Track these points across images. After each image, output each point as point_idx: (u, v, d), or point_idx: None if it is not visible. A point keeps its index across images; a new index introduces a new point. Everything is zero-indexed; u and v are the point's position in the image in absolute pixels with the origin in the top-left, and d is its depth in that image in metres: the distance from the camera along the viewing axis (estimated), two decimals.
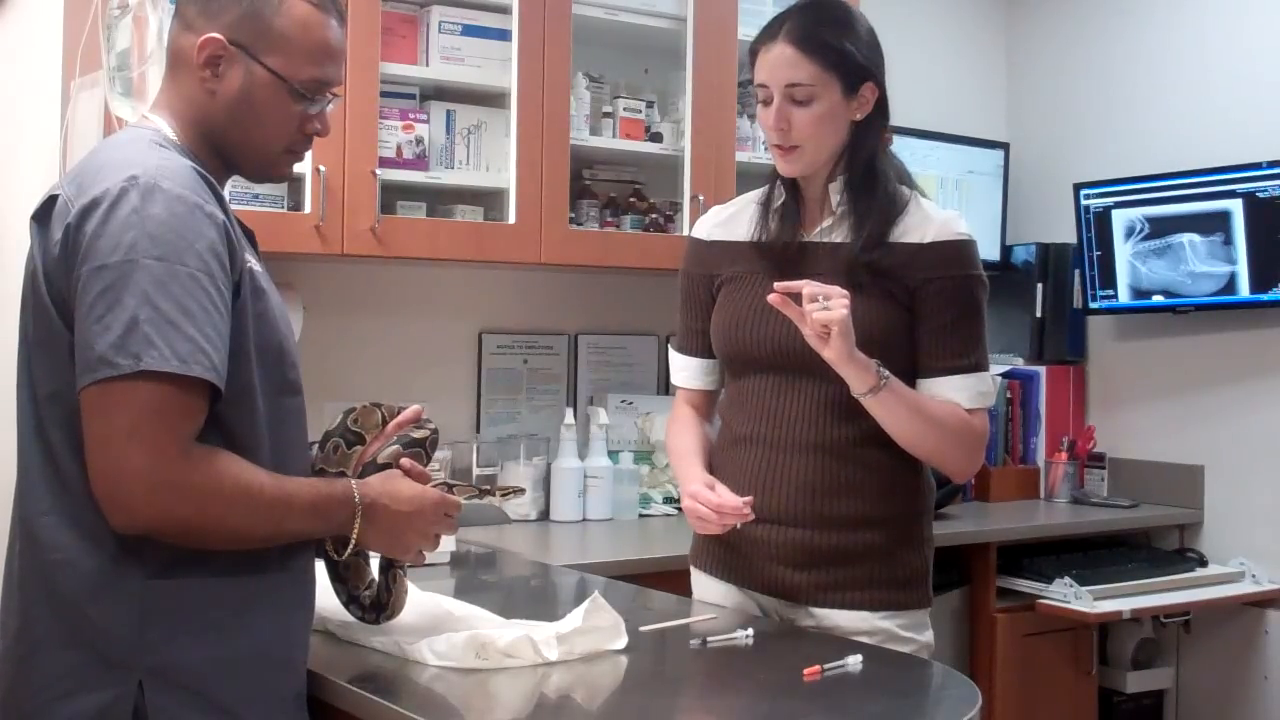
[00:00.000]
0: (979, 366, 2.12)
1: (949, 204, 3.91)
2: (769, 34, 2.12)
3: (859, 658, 1.82)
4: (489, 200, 3.11)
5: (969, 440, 2.12)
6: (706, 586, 2.26)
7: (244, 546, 1.58)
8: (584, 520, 3.26)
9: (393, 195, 2.97)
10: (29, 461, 1.61)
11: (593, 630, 1.83)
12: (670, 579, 2.43)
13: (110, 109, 2.45)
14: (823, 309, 1.93)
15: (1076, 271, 3.96)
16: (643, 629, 1.97)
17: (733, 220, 2.27)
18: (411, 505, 1.72)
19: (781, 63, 2.09)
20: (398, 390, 3.09)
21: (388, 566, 1.83)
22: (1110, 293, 3.84)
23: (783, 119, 2.10)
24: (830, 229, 2.16)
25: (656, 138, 3.33)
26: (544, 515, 3.27)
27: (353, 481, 1.70)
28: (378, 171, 2.85)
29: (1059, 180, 4.02)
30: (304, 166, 2.70)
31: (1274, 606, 3.59)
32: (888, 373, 2.01)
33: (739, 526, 2.09)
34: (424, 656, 1.77)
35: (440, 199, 3.10)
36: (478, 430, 3.34)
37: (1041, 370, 4.00)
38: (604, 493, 3.27)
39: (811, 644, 2.00)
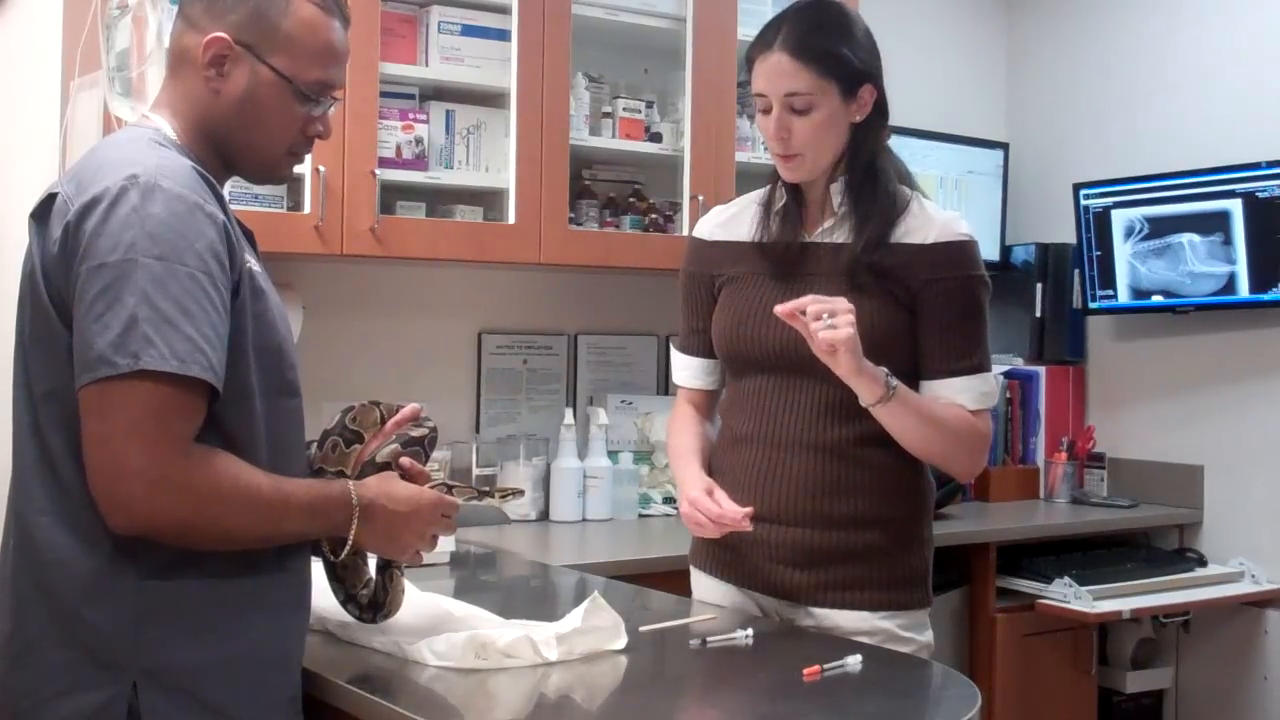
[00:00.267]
0: (982, 367, 2.12)
1: (948, 204, 3.91)
2: (764, 43, 2.11)
3: (858, 658, 1.82)
4: (488, 200, 3.11)
5: (974, 442, 2.13)
6: (706, 586, 2.26)
7: (241, 547, 1.57)
8: (583, 520, 3.26)
9: (392, 195, 2.97)
10: (24, 460, 1.61)
11: (592, 630, 1.83)
12: (670, 579, 2.43)
13: (110, 109, 2.45)
14: (828, 327, 1.92)
15: (1076, 271, 3.96)
16: (642, 629, 1.97)
17: (734, 220, 2.27)
18: (408, 506, 1.72)
19: (778, 72, 2.08)
20: (397, 390, 3.09)
21: (385, 566, 1.83)
22: (1110, 293, 3.84)
23: (783, 128, 2.10)
24: (831, 229, 2.16)
25: (656, 138, 3.33)
26: (544, 515, 3.27)
27: (350, 482, 1.70)
28: (377, 172, 2.85)
29: (1058, 180, 4.02)
30: (303, 167, 2.70)
31: (1273, 606, 3.59)
32: (896, 381, 2.01)
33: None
34: (423, 657, 1.77)
35: (440, 199, 3.10)
36: (477, 430, 3.34)
37: (1041, 370, 4.00)
38: (604, 493, 3.27)
39: (811, 644, 2.00)
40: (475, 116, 3.07)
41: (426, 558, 1.81)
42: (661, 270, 3.26)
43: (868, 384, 1.99)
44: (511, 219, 3.04)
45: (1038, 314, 4.04)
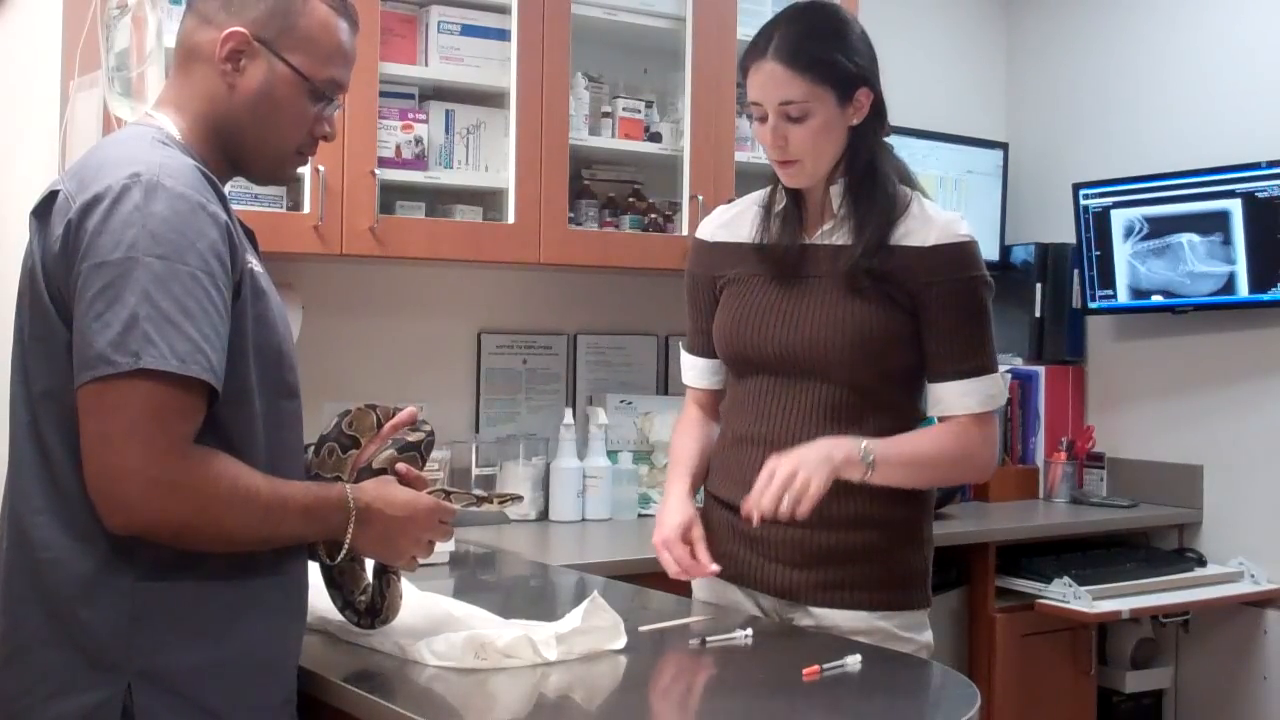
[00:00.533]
0: (986, 369, 2.12)
1: (948, 204, 3.91)
2: (757, 51, 2.09)
3: (858, 658, 1.82)
4: (488, 200, 3.11)
5: (976, 457, 2.12)
6: (706, 586, 2.26)
7: (238, 549, 1.57)
8: (583, 520, 3.26)
9: (392, 195, 2.97)
10: (21, 459, 1.60)
11: (592, 630, 1.83)
12: (669, 579, 2.43)
13: (109, 109, 2.45)
14: (796, 499, 1.94)
15: (1075, 271, 3.96)
16: (642, 629, 1.97)
17: (735, 221, 2.27)
18: (405, 511, 1.71)
19: (772, 82, 2.07)
20: (397, 390, 3.10)
21: (382, 571, 1.83)
22: (1109, 293, 3.84)
23: (779, 136, 2.09)
24: (831, 232, 2.15)
25: (656, 138, 3.33)
26: (543, 515, 3.27)
27: (347, 486, 1.69)
28: (377, 171, 2.85)
29: (1058, 180, 4.02)
30: (303, 167, 2.70)
31: (1273, 606, 3.59)
32: (871, 449, 2.00)
33: (742, 527, 2.12)
34: (423, 657, 1.77)
35: (439, 199, 3.10)
36: (477, 430, 3.34)
37: (1041, 370, 4.00)
38: (603, 493, 3.27)
39: (811, 644, 2.00)
40: (475, 116, 3.07)
41: (423, 560, 1.80)
42: (661, 270, 3.26)
43: (849, 471, 2.00)
44: (511, 219, 3.03)
45: (1037, 314, 4.04)
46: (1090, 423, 4.04)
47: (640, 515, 3.34)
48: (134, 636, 1.53)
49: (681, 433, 2.33)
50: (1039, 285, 4.04)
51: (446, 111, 3.05)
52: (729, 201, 2.40)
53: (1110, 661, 3.68)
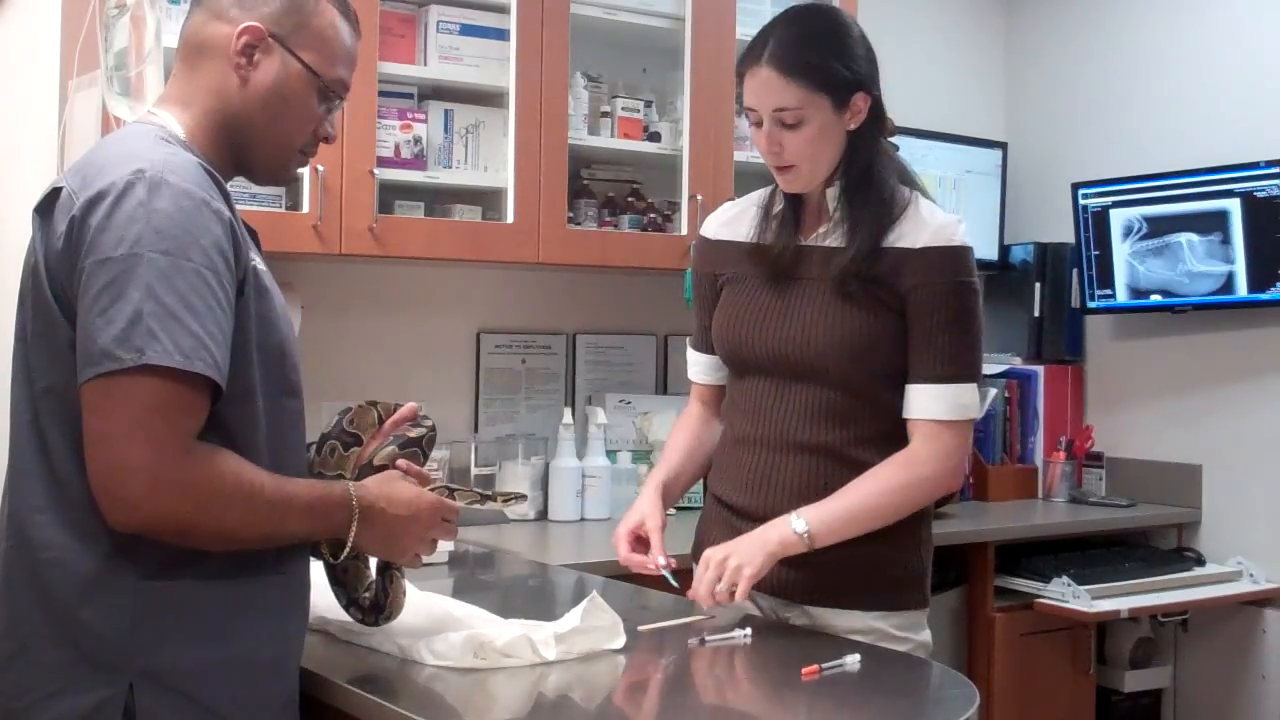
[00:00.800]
0: (963, 377, 2.09)
1: (947, 203, 3.91)
2: (752, 56, 2.08)
3: (857, 657, 1.82)
4: (487, 200, 3.11)
5: (928, 479, 2.09)
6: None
7: (241, 547, 1.57)
8: (582, 520, 3.26)
9: (391, 195, 2.97)
10: (22, 457, 1.60)
11: (591, 630, 1.84)
12: (668, 579, 2.43)
13: (108, 108, 2.45)
14: (732, 585, 1.96)
15: (1074, 271, 3.96)
16: (641, 628, 1.97)
17: (736, 220, 2.27)
18: (409, 509, 1.71)
19: (766, 89, 2.06)
20: (396, 390, 3.09)
21: (385, 568, 1.83)
22: (1108, 292, 3.84)
23: (774, 142, 2.09)
24: (826, 234, 2.15)
25: (655, 137, 3.33)
26: (542, 515, 3.27)
27: (350, 483, 1.69)
28: (376, 171, 2.85)
29: (1057, 180, 4.02)
30: (304, 167, 2.70)
31: (1271, 605, 3.59)
32: (798, 521, 2.01)
33: (738, 525, 2.14)
34: (422, 656, 1.77)
35: (438, 198, 3.10)
36: (476, 430, 3.34)
37: (1040, 370, 4.01)
38: (602, 492, 3.27)
39: (810, 643, 1.99)
40: (474, 116, 3.07)
41: (425, 559, 1.80)
42: (660, 270, 3.26)
43: (790, 549, 2.02)
44: (510, 218, 3.03)
45: (1036, 313, 4.04)
46: (1089, 422, 4.04)
47: None
48: (136, 636, 1.52)
49: (675, 429, 2.36)
50: (1038, 285, 4.04)
51: (445, 111, 3.05)
52: (732, 200, 2.40)
53: (1109, 661, 3.68)
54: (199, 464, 1.49)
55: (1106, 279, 3.83)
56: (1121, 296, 3.82)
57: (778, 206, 2.21)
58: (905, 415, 2.10)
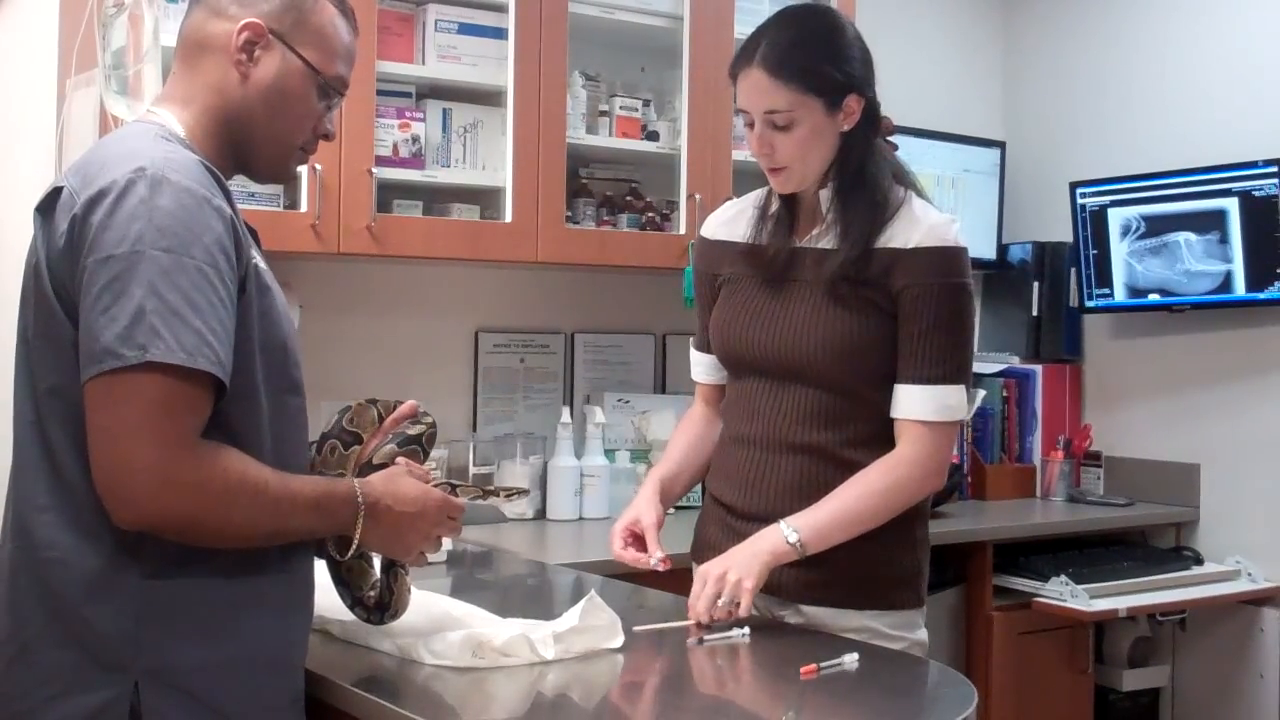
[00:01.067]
0: (951, 378, 2.08)
1: (945, 202, 3.92)
2: (744, 58, 2.08)
3: (855, 656, 1.82)
4: (485, 199, 3.11)
5: (912, 481, 2.09)
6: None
7: (246, 544, 1.57)
8: (580, 519, 3.26)
9: (389, 194, 2.97)
10: (26, 457, 1.60)
11: (589, 629, 1.84)
12: (667, 578, 2.43)
13: (106, 107, 2.45)
14: (732, 601, 1.97)
15: (1073, 270, 3.96)
16: (636, 629, 1.97)
17: (735, 220, 2.27)
18: (415, 506, 1.71)
19: (757, 91, 2.06)
20: (394, 389, 3.06)
21: (389, 566, 1.83)
22: (1106, 291, 3.84)
23: (765, 144, 2.09)
24: (820, 236, 2.15)
25: (653, 136, 3.33)
26: (540, 514, 3.27)
27: (355, 481, 1.69)
28: (374, 170, 2.85)
29: (1055, 179, 4.02)
30: (303, 165, 2.70)
31: (1270, 605, 3.59)
32: (789, 531, 2.02)
33: (733, 525, 2.15)
34: (421, 656, 1.77)
35: (437, 198, 3.10)
36: (474, 429, 3.34)
37: (1038, 369, 4.01)
38: (600, 491, 3.27)
39: (808, 642, 2.00)
40: (472, 115, 3.07)
41: (431, 557, 1.80)
42: (658, 269, 3.26)
43: (782, 559, 2.02)
44: (508, 217, 3.03)
45: (1034, 312, 4.04)
46: (1087, 421, 4.04)
47: None
48: (140, 635, 1.52)
49: (678, 429, 2.38)
50: (1036, 284, 4.04)
51: (444, 110, 3.04)
52: (730, 199, 2.40)
53: (1107, 660, 3.68)
54: (203, 461, 1.49)
55: (1105, 278, 3.83)
56: (1119, 296, 3.82)
57: (773, 207, 2.21)
58: (892, 415, 2.10)
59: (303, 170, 2.73)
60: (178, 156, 1.56)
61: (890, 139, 2.22)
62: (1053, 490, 3.92)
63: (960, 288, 2.09)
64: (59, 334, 1.54)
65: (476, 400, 3.37)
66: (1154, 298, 3.76)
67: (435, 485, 1.77)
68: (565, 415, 3.29)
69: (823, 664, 1.79)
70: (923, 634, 2.16)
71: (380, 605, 1.83)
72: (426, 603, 1.98)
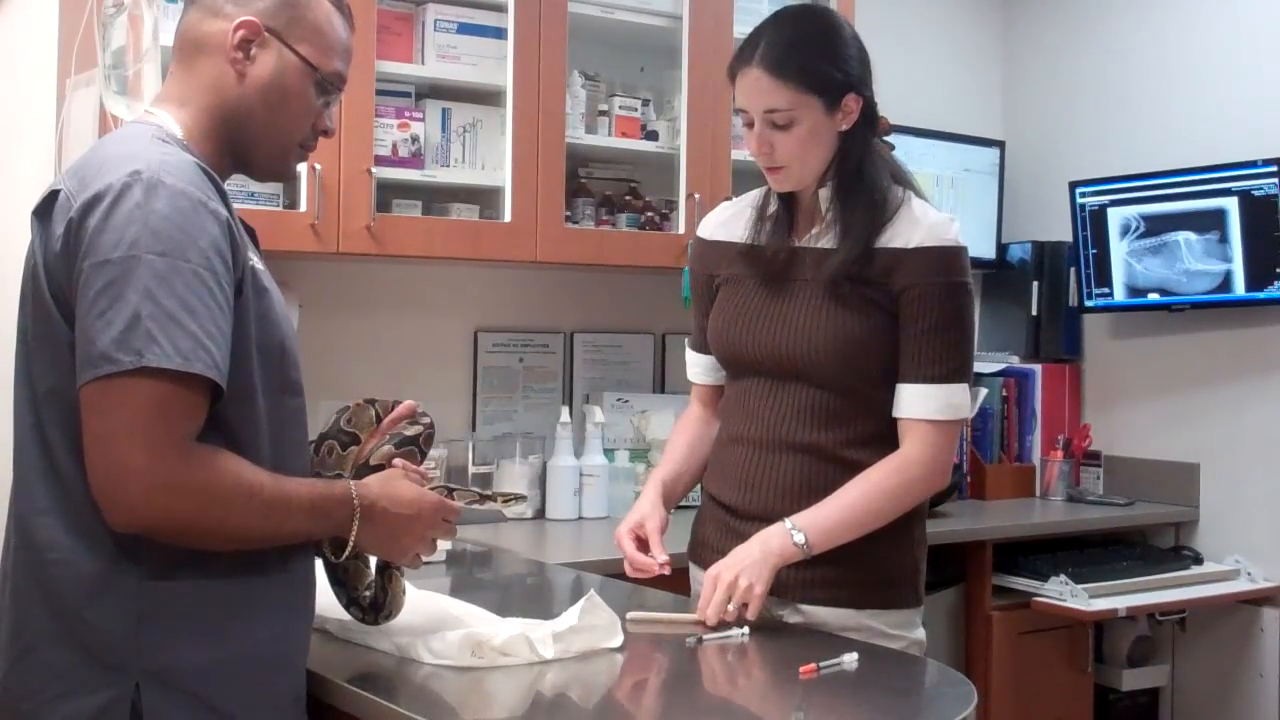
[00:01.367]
0: (954, 377, 2.09)
1: (944, 202, 3.92)
2: (743, 58, 2.09)
3: (854, 656, 1.82)
4: (485, 198, 3.11)
5: (919, 481, 2.10)
6: (701, 582, 2.27)
7: (242, 547, 1.57)
8: (579, 519, 3.26)
9: (388, 193, 2.97)
10: (26, 459, 1.60)
11: (589, 628, 1.84)
12: (666, 577, 2.43)
13: (105, 107, 2.45)
14: (743, 605, 1.98)
15: (1072, 269, 3.97)
16: (630, 615, 1.97)
17: (733, 220, 2.27)
18: (410, 509, 1.71)
19: (757, 90, 2.07)
20: (393, 389, 3.07)
21: (384, 567, 1.83)
22: (1106, 291, 3.84)
23: (764, 143, 2.09)
24: (819, 235, 2.15)
25: (652, 136, 3.33)
26: (540, 514, 3.27)
27: (351, 483, 1.69)
28: (373, 170, 2.84)
29: (1055, 178, 4.02)
30: (301, 165, 2.70)
31: (1269, 604, 3.59)
32: (799, 529, 2.02)
33: (731, 524, 2.16)
34: (420, 655, 1.77)
35: (436, 197, 3.10)
36: (473, 429, 3.34)
37: (1037, 368, 4.01)
38: (600, 491, 3.27)
39: (807, 642, 2.00)
40: (471, 115, 3.07)
41: (427, 558, 1.80)
42: (658, 268, 3.26)
43: (788, 558, 2.03)
44: (508, 217, 3.03)
45: (1034, 312, 4.04)
46: (1087, 421, 4.04)
47: None
48: (141, 636, 1.52)
49: (676, 430, 2.37)
50: (1035, 283, 4.04)
51: (443, 110, 3.04)
52: (729, 199, 2.40)
53: (1107, 659, 3.68)
54: (198, 465, 1.49)
55: (1104, 277, 3.83)
56: (1119, 295, 3.82)
57: (772, 207, 2.21)
58: (896, 415, 2.11)
59: (302, 170, 2.72)
60: (173, 159, 1.56)
61: (887, 139, 2.22)
62: (1052, 490, 3.92)
63: (962, 286, 2.10)
64: (56, 337, 1.55)
65: (476, 400, 3.37)
66: (1153, 297, 3.76)
67: (432, 488, 1.76)
68: (564, 415, 3.29)
69: (822, 664, 1.79)
70: (921, 633, 2.16)
71: (375, 605, 1.83)
72: (426, 602, 1.98)
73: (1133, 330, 3.94)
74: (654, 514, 2.18)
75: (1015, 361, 4.02)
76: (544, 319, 3.49)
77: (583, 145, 3.22)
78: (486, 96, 3.09)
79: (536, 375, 3.46)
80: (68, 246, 1.52)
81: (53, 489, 1.56)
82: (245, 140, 1.70)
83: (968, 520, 3.50)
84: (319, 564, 1.76)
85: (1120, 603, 3.32)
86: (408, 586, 1.91)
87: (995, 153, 4.15)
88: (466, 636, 1.77)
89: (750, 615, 1.98)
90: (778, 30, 2.10)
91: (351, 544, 1.67)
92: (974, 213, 4.01)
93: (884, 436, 2.12)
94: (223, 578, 1.57)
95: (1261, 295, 3.53)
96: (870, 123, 2.14)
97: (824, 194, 2.14)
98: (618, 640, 1.86)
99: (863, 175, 2.12)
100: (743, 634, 1.96)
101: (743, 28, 3.21)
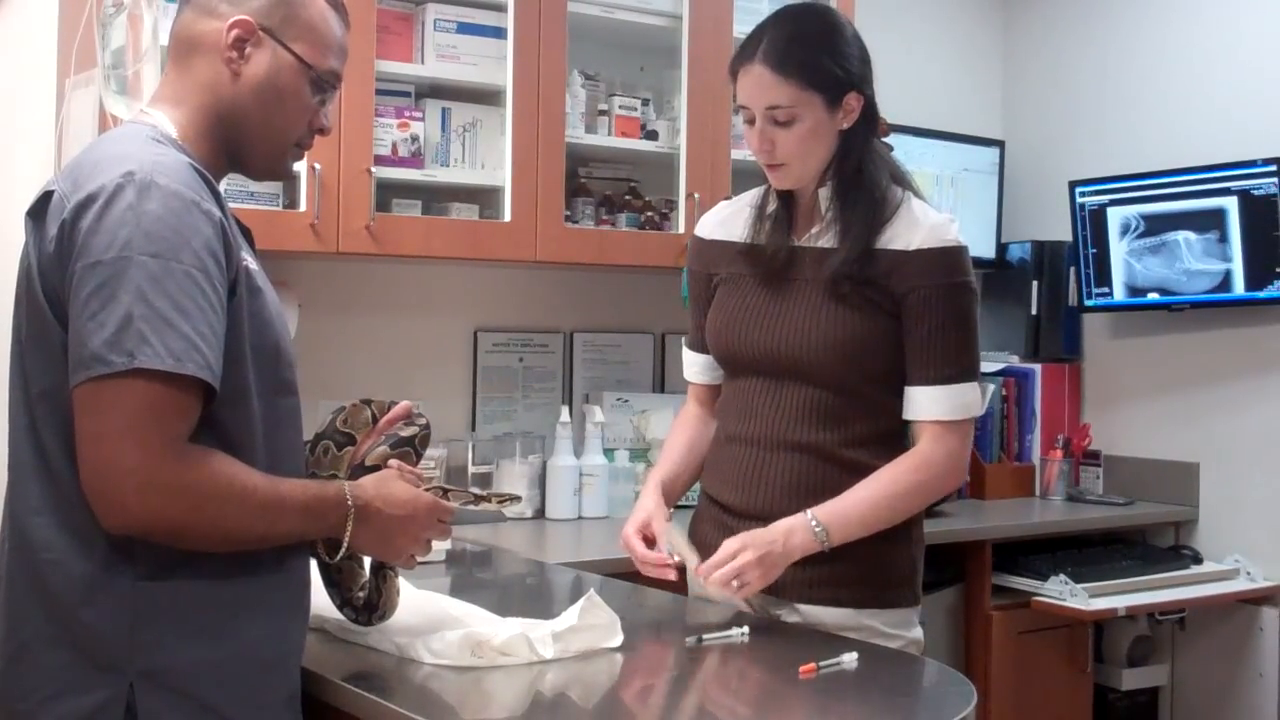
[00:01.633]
0: (963, 377, 2.10)
1: (944, 202, 3.92)
2: (745, 54, 2.09)
3: (854, 655, 1.82)
4: (484, 198, 3.11)
5: (939, 479, 2.12)
6: (696, 582, 2.27)
7: (236, 548, 1.57)
8: (579, 518, 3.26)
9: (388, 193, 2.97)
10: (21, 460, 1.60)
11: (588, 628, 1.84)
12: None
13: (105, 107, 2.45)
14: (741, 585, 1.98)
15: (1072, 269, 3.97)
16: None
17: (731, 220, 2.27)
18: (405, 509, 1.71)
19: (759, 86, 2.07)
20: (393, 388, 3.08)
21: (378, 568, 1.82)
22: (1105, 290, 3.84)
23: (766, 140, 2.09)
24: (819, 235, 2.15)
25: (652, 135, 3.33)
26: (539, 513, 3.27)
27: (345, 483, 1.69)
28: (373, 169, 2.84)
29: (1054, 178, 4.02)
30: (300, 164, 2.70)
31: (1269, 604, 3.59)
32: (816, 521, 2.03)
33: (729, 524, 2.15)
34: (420, 655, 1.77)
35: (436, 197, 3.10)
36: (473, 428, 3.34)
37: (1037, 368, 4.01)
38: (599, 490, 3.27)
39: (807, 641, 2.00)
40: (471, 114, 3.07)
41: (422, 559, 1.80)
42: (657, 268, 3.26)
43: (808, 550, 2.03)
44: (507, 217, 3.03)
45: (1033, 311, 4.04)
46: (1086, 420, 4.04)
47: None
48: (136, 636, 1.52)
49: (673, 430, 2.37)
50: (1035, 283, 4.04)
51: (443, 109, 3.04)
52: (728, 198, 2.40)
53: (1106, 659, 3.68)
54: (190, 466, 1.49)
55: (1104, 277, 3.83)
56: (1119, 295, 3.82)
57: (771, 206, 2.21)
58: (908, 417, 2.11)
59: (302, 170, 2.73)
60: (167, 159, 1.56)
61: (885, 140, 2.22)
62: (1052, 489, 3.92)
63: (965, 286, 2.11)
64: (50, 338, 1.55)
65: (475, 399, 3.37)
66: (1153, 297, 3.76)
67: (427, 489, 1.76)
68: (564, 414, 3.29)
69: (822, 663, 1.79)
70: (919, 632, 2.16)
71: (369, 606, 1.83)
72: (425, 602, 1.98)
73: (1132, 330, 3.94)
74: (659, 512, 2.18)
75: (1015, 361, 4.02)
76: (543, 319, 3.49)
77: (582, 145, 3.22)
78: (486, 96, 3.09)
79: (536, 375, 3.46)
80: (61, 247, 1.52)
81: (47, 489, 1.56)
82: (241, 139, 1.70)
83: (967, 520, 3.50)
84: (314, 564, 1.76)
85: (1120, 602, 3.32)
86: (407, 586, 1.91)
87: (995, 152, 4.15)
88: (466, 636, 1.77)
89: (741, 596, 2.01)
90: (779, 28, 2.10)
91: (345, 545, 1.67)
92: (974, 212, 4.01)
93: (883, 436, 2.12)
94: (218, 578, 1.57)
95: (1261, 295, 3.53)
96: (870, 122, 2.14)
97: (823, 193, 2.14)
98: (617, 640, 1.86)
99: (863, 174, 2.12)
100: (742, 634, 1.96)
101: (743, 27, 3.21)
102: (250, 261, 1.64)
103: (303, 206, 2.78)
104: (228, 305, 1.55)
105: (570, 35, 3.09)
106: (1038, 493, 3.97)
